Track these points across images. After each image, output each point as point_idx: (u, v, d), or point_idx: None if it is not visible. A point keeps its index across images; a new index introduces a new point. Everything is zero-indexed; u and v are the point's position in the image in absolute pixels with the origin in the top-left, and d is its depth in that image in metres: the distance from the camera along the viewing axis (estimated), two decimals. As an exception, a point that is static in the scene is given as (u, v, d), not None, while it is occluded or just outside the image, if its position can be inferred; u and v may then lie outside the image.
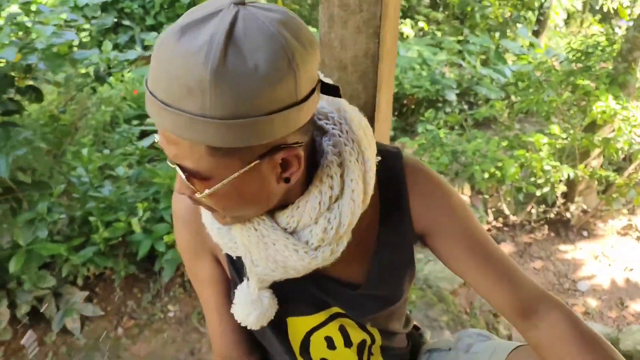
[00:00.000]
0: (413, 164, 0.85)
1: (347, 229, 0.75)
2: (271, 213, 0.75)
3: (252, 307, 0.83)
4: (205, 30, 0.57)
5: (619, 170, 3.70)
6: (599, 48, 3.88)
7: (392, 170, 0.83)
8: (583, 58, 3.82)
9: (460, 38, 6.17)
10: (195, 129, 0.58)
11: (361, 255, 0.85)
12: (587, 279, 3.34)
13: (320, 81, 0.66)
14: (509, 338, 2.53)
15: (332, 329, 0.93)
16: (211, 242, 0.85)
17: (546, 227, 3.62)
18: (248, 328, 0.86)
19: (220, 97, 0.57)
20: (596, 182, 3.52)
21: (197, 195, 0.67)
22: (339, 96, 0.70)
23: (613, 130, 3.31)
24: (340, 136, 0.74)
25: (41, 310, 2.36)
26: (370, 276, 0.87)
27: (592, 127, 3.43)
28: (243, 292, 0.84)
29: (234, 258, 0.84)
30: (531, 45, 6.50)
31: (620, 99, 3.23)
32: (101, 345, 2.38)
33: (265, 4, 0.61)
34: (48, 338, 2.35)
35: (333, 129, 0.75)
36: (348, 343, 0.95)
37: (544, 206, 3.60)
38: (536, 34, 6.92)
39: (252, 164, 0.63)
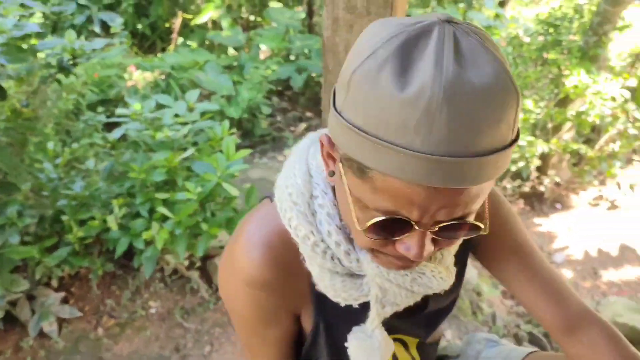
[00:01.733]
0: None
1: None
2: None
3: (383, 352, 0.81)
4: (486, 62, 0.55)
5: (588, 142, 3.77)
6: (567, 20, 3.89)
7: None
8: (552, 31, 3.83)
9: (428, 10, 6.11)
10: (507, 160, 0.58)
11: None
12: (562, 251, 3.42)
13: None
14: (493, 317, 2.57)
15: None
16: (298, 299, 0.81)
17: (521, 201, 3.67)
18: None
19: (517, 118, 0.58)
20: (569, 155, 3.57)
21: (481, 232, 0.64)
22: None
23: (584, 104, 3.35)
24: None
25: (15, 315, 2.26)
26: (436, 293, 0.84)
27: (565, 101, 3.47)
28: (364, 341, 0.81)
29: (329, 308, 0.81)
30: (497, 16, 6.50)
31: (591, 73, 3.25)
32: (81, 347, 2.30)
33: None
34: (25, 343, 2.25)
35: None
36: None
37: (519, 180, 3.65)
38: (502, 4, 6.92)
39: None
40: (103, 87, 3.90)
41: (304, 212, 0.72)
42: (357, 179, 0.59)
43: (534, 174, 3.67)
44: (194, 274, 2.50)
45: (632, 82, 3.59)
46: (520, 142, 3.26)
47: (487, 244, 0.85)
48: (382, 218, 0.60)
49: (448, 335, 2.42)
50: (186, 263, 2.50)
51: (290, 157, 0.80)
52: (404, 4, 0.81)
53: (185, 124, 2.46)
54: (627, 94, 3.28)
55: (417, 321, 0.88)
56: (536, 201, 3.71)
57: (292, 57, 5.03)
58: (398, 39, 0.55)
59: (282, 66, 4.67)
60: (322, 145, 0.67)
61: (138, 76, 4.06)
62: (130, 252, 2.37)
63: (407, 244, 0.62)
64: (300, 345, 0.90)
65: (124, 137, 2.67)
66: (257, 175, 3.94)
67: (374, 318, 0.79)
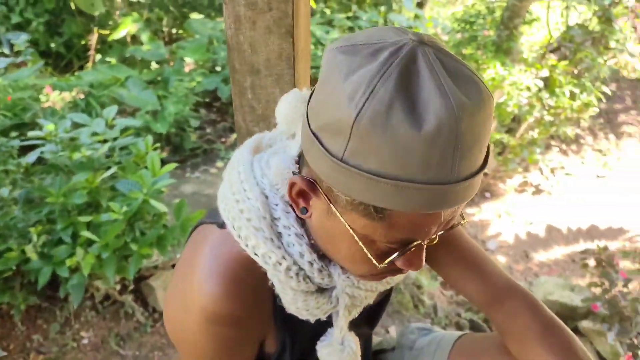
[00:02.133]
0: None
1: None
2: None
3: (357, 356, 0.80)
4: (470, 77, 0.57)
5: (509, 131, 3.93)
6: (481, 17, 4.07)
7: None
8: (468, 27, 3.99)
9: (350, 14, 6.21)
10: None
11: None
12: (495, 238, 3.55)
13: None
14: (434, 308, 2.61)
15: None
16: (263, 325, 0.78)
17: (452, 193, 3.78)
18: None
19: None
20: (492, 145, 3.71)
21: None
22: None
23: (503, 95, 3.49)
24: None
25: None
26: None
27: (484, 94, 3.61)
28: (339, 351, 0.79)
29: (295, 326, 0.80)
30: (416, 17, 6.70)
31: (506, 65, 3.40)
32: (8, 389, 2.14)
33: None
34: (-58, 393, 2.07)
35: None
36: None
37: (448, 174, 3.76)
38: (420, 5, 7.14)
39: None
40: (16, 110, 3.68)
41: (270, 237, 0.68)
42: (368, 220, 0.59)
43: (463, 166, 3.80)
44: (128, 298, 2.39)
45: (544, 73, 3.79)
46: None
47: None
48: (399, 250, 0.62)
49: (392, 331, 2.43)
50: (118, 287, 2.39)
51: (231, 177, 0.74)
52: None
53: (104, 141, 2.35)
54: (541, 84, 3.45)
55: (364, 318, 0.87)
56: (466, 192, 3.83)
57: (217, 68, 4.95)
58: (391, 73, 0.53)
59: (207, 77, 4.59)
60: (292, 186, 0.65)
61: (55, 97, 3.86)
62: (55, 282, 2.24)
63: (409, 260, 0.64)
64: None
65: (42, 162, 2.52)
66: (190, 190, 3.85)
67: (343, 326, 0.78)
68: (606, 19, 4.20)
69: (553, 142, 4.47)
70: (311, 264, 0.70)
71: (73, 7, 4.95)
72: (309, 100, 0.63)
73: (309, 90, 0.76)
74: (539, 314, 0.86)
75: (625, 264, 2.61)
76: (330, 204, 0.61)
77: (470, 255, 0.90)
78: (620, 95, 5.19)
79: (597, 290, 2.55)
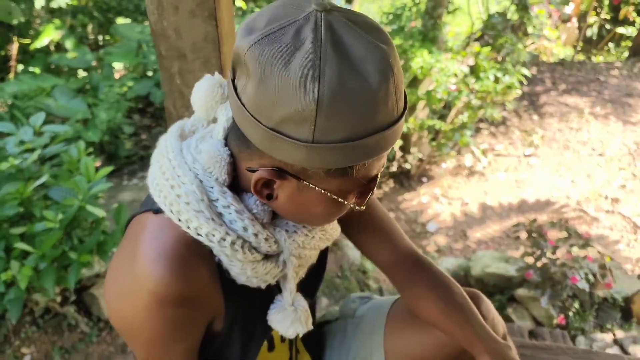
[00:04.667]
0: None
1: None
2: None
3: (305, 316, 0.83)
4: (374, 23, 0.63)
5: (441, 117, 4.09)
6: (407, 9, 4.20)
7: None
8: (396, 20, 4.11)
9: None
10: None
11: None
12: (434, 220, 3.68)
13: None
14: (380, 290, 2.69)
15: None
16: (212, 302, 0.78)
17: (391, 180, 3.88)
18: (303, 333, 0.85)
19: None
20: (426, 132, 3.84)
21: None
22: None
23: (432, 83, 3.62)
24: None
25: None
26: None
27: (415, 82, 3.73)
28: (292, 312, 0.82)
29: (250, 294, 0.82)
30: (346, 12, 6.80)
31: (434, 53, 3.53)
32: (-54, 416, 2.03)
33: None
34: None
35: None
36: (283, 338, 0.96)
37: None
38: (349, 1, 7.26)
39: None
40: None
41: (210, 217, 0.71)
42: (345, 178, 0.65)
43: (399, 154, 3.91)
44: (70, 309, 2.32)
45: (471, 61, 3.97)
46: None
47: None
48: (370, 187, 0.70)
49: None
50: (59, 299, 2.31)
51: (162, 164, 0.76)
52: (227, -18, 0.82)
53: (32, 150, 2.27)
54: (466, 69, 3.61)
55: (304, 289, 0.90)
56: (404, 178, 3.95)
57: (149, 73, 4.85)
58: (326, 49, 0.58)
59: (139, 82, 4.49)
60: (257, 182, 0.68)
61: (-24, 111, 3.67)
62: (-10, 299, 2.14)
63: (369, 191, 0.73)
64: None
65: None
66: (129, 197, 3.76)
67: (292, 288, 0.82)
68: (523, 6, 4.44)
69: (482, 125, 4.68)
70: (256, 235, 0.73)
71: (-12, 16, 4.70)
72: (240, 102, 0.64)
73: (220, 74, 0.78)
74: (432, 274, 0.98)
75: (552, 234, 2.78)
76: (302, 181, 0.66)
77: (380, 222, 0.99)
78: (541, 77, 5.50)
79: (530, 260, 2.71)
